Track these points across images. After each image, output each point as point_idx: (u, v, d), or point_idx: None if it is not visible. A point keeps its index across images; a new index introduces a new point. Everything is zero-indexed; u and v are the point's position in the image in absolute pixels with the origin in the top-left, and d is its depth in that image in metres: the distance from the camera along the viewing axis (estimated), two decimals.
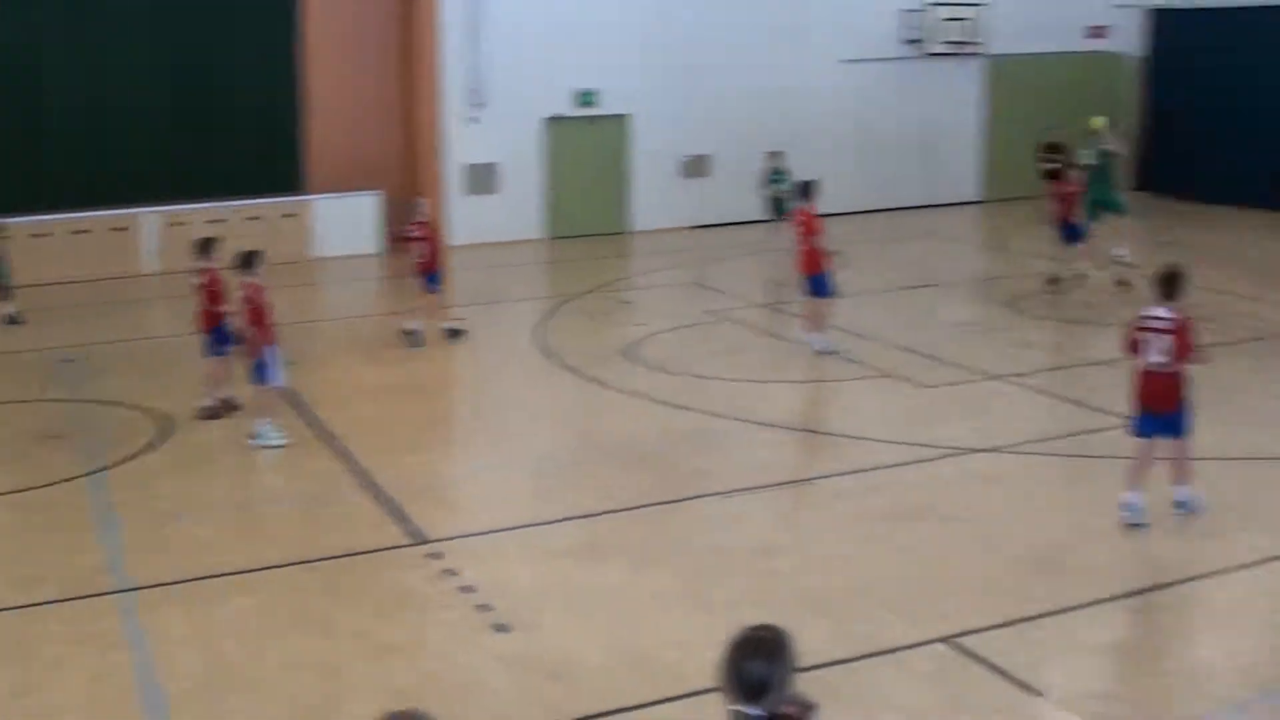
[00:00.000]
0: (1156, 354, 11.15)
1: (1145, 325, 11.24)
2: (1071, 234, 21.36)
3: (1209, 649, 9.07)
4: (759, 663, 4.71)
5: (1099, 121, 22.95)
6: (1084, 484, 12.42)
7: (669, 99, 28.36)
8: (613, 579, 10.35)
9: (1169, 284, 11.32)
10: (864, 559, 10.70)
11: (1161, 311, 11.23)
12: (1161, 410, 11.27)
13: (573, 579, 10.40)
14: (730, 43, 28.67)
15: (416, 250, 18.75)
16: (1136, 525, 11.11)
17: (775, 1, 29.15)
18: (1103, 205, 21.98)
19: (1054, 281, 21.43)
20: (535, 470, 13.23)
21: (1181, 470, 11.40)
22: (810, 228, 17.43)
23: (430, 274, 18.70)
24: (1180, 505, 11.38)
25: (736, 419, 14.79)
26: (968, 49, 30.85)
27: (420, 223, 18.98)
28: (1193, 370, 11.18)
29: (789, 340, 18.27)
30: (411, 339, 18.30)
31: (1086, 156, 22.39)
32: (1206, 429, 13.02)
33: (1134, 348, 11.35)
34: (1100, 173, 22.15)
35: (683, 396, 15.68)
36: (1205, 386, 15.04)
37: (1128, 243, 21.95)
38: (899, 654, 8.95)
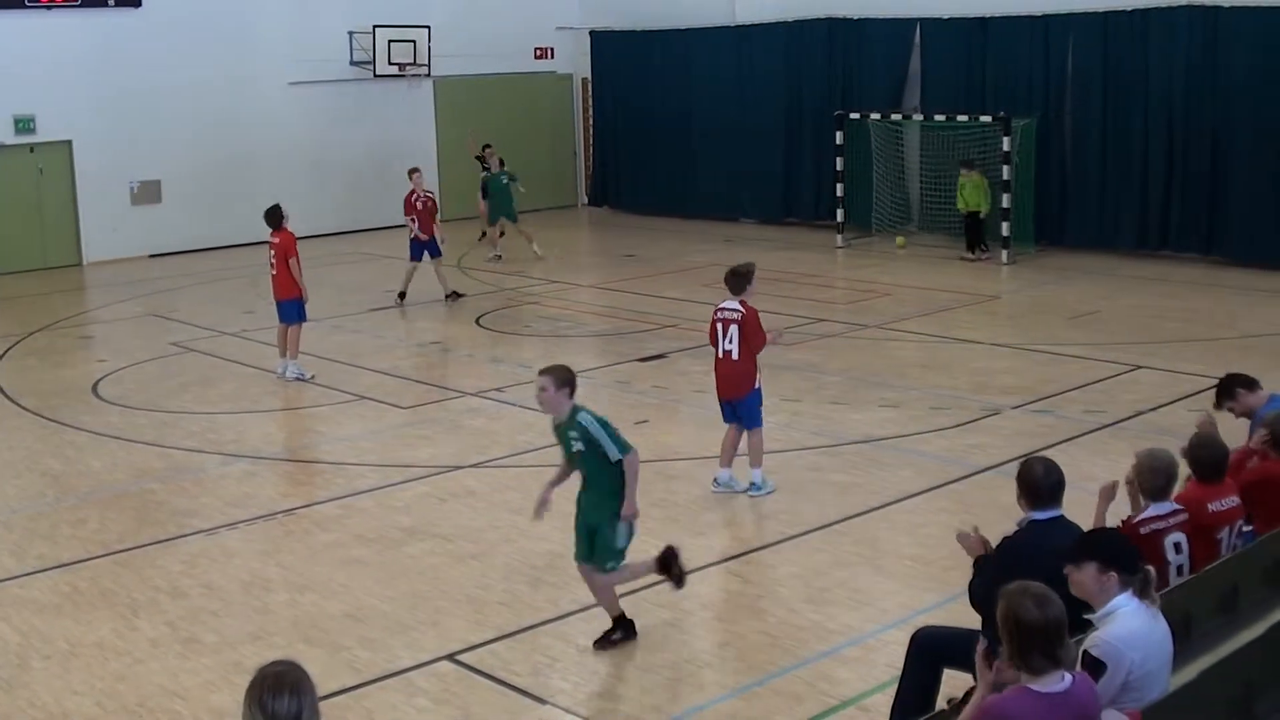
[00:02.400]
0: (727, 343, 12.22)
1: (719, 316, 12.34)
2: (420, 250, 22.41)
3: (703, 640, 9.57)
4: (287, 699, 4.70)
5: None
6: (567, 491, 12.75)
7: (114, 123, 27.37)
8: (101, 629, 9.94)
9: (736, 278, 12.35)
10: (357, 585, 10.71)
11: (731, 304, 12.30)
12: (730, 397, 12.38)
13: (58, 633, 9.91)
14: (175, 64, 27.95)
15: None
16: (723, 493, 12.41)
17: (220, 23, 28.65)
18: (505, 215, 26.35)
19: (452, 296, 22.48)
20: (3, 522, 12.50)
21: (753, 455, 12.46)
22: (288, 252, 17.25)
23: None
24: (753, 486, 12.41)
25: (212, 453, 14.51)
26: (413, 71, 31.27)
27: None
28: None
29: (259, 369, 18.03)
30: None
31: (500, 178, 26.32)
32: (678, 429, 13.81)
33: (714, 337, 12.39)
34: (504, 190, 26.32)
35: (154, 433, 15.22)
36: (679, 388, 15.92)
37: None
38: (404, 676, 9.03)
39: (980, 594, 7.23)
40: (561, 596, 10.33)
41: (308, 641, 9.58)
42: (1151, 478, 7.76)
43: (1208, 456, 8.14)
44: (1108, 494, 8.03)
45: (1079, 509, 8.06)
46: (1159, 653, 6.13)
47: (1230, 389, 9.98)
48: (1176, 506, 7.78)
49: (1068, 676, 5.42)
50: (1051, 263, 24.79)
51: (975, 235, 25.43)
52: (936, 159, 27.00)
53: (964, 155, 25.79)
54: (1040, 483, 7.37)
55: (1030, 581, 5.61)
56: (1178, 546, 7.65)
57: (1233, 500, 8.06)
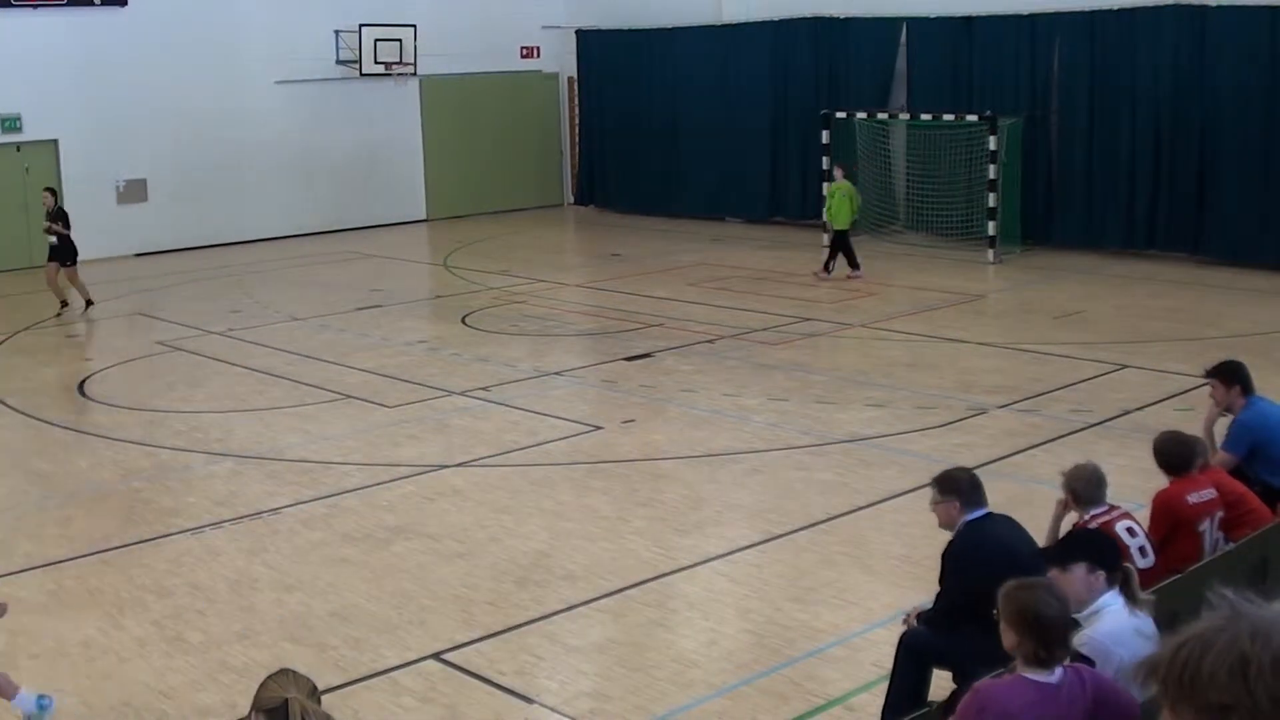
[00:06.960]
0: None
1: None
2: None
3: (690, 639, 9.54)
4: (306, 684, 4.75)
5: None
6: (553, 490, 12.84)
7: (100, 122, 27.33)
8: (87, 628, 9.92)
9: None
10: (343, 584, 10.69)
11: None
12: None
13: (44, 632, 9.88)
14: (161, 63, 27.90)
15: None
16: None
17: (206, 22, 28.62)
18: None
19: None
20: None
21: None
22: None
23: None
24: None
25: (199, 452, 14.47)
26: (400, 70, 31.25)
27: None
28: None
29: (245, 368, 17.99)
30: None
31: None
32: (665, 428, 13.83)
33: None
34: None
35: (141, 432, 15.19)
36: (665, 387, 15.98)
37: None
38: (390, 675, 9.01)
39: (958, 599, 7.41)
40: (548, 596, 10.32)
41: (294, 641, 9.56)
42: (1086, 488, 7.97)
43: (1178, 452, 8.41)
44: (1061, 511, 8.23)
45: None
46: (1145, 651, 6.15)
47: (1226, 376, 9.96)
48: (1112, 504, 7.99)
49: (1058, 669, 5.52)
50: (1038, 262, 24.83)
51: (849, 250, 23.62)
52: (923, 158, 27.03)
53: (944, 154, 25.83)
54: (964, 486, 7.66)
55: (1033, 578, 5.81)
56: (1130, 530, 7.82)
57: (1210, 492, 8.30)
